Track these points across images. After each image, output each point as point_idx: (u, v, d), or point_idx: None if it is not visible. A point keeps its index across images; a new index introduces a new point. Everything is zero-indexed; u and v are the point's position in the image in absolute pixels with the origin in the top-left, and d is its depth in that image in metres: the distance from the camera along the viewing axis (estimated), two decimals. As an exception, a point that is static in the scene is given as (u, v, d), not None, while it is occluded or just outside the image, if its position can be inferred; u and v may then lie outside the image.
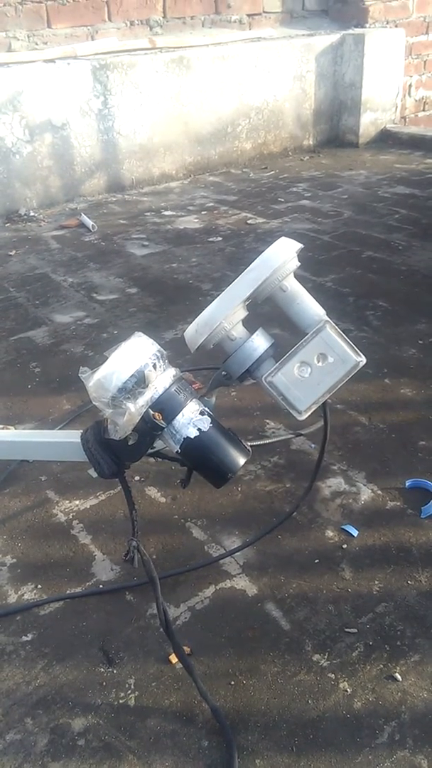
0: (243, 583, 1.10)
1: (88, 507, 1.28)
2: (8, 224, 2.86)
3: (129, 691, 0.94)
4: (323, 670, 0.96)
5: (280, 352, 0.82)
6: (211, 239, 2.63)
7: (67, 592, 1.10)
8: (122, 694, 0.94)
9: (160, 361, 0.77)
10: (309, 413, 0.79)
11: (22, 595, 1.10)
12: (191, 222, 2.84)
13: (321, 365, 0.78)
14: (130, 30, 3.26)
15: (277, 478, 1.34)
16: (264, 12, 3.74)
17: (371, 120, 3.97)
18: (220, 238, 2.63)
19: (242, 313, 0.80)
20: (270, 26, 3.76)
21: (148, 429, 0.76)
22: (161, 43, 3.25)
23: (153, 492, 1.31)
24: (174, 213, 2.96)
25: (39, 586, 1.11)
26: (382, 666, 0.96)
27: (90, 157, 3.08)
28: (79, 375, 0.77)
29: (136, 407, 0.74)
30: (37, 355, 1.82)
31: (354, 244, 2.51)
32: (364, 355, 0.80)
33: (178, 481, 0.84)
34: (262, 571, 1.13)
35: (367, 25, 3.89)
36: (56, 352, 1.84)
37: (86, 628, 1.04)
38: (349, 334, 1.85)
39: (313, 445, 1.42)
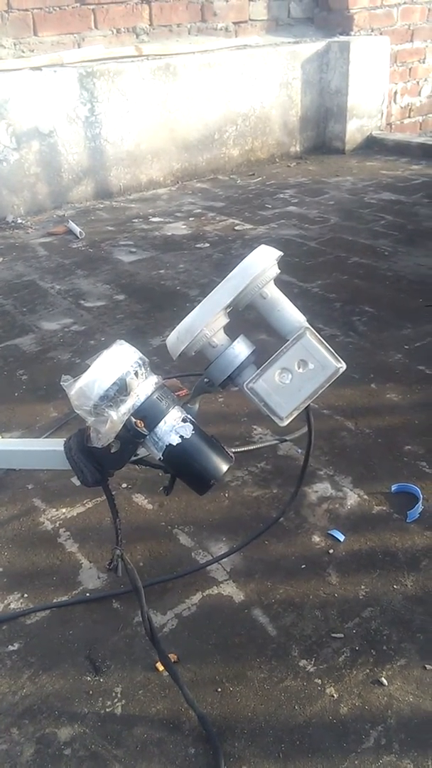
0: (230, 590, 1.11)
1: (75, 515, 1.28)
2: (-5, 232, 2.86)
3: (116, 700, 0.94)
4: (310, 675, 0.96)
5: (264, 357, 0.82)
6: (198, 245, 2.64)
7: (54, 600, 1.09)
8: (109, 703, 0.93)
9: (142, 368, 0.77)
10: (291, 419, 0.80)
11: (8, 604, 1.09)
12: (179, 228, 2.85)
13: (301, 371, 0.78)
14: (116, 38, 3.28)
15: (264, 484, 1.34)
16: (250, 20, 3.77)
17: (357, 127, 4.00)
18: (207, 245, 2.64)
19: (223, 321, 0.81)
20: (256, 34, 3.79)
21: (131, 437, 0.77)
22: (148, 51, 3.26)
23: (140, 499, 1.31)
24: (161, 219, 2.97)
25: (25, 595, 1.11)
26: (368, 671, 0.96)
27: (77, 164, 3.09)
28: (61, 383, 0.77)
29: (118, 415, 0.74)
30: (24, 363, 1.82)
31: (340, 249, 2.53)
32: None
33: (161, 488, 0.85)
34: (249, 577, 1.13)
35: (353, 33, 3.93)
36: (43, 359, 1.84)
37: (73, 636, 1.03)
38: (336, 340, 1.86)
39: (300, 451, 1.43)
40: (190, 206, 3.14)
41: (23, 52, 3.02)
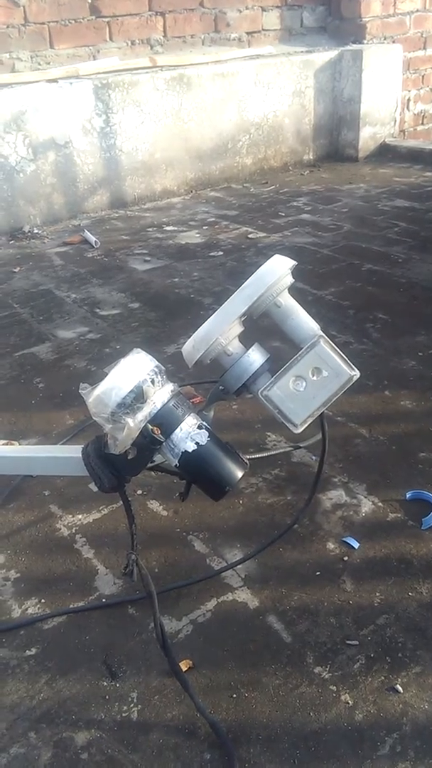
0: (244, 596, 1.11)
1: (91, 521, 1.29)
2: (12, 241, 2.90)
3: (132, 705, 0.95)
4: (325, 682, 0.96)
5: (279, 365, 0.83)
6: (212, 254, 2.66)
7: (70, 606, 1.11)
8: (125, 708, 0.94)
9: (159, 376, 0.78)
10: (305, 426, 0.80)
11: (26, 609, 1.10)
12: (193, 237, 2.87)
13: (315, 379, 0.79)
14: (131, 49, 3.32)
15: (279, 491, 1.35)
16: (263, 30, 3.80)
17: (370, 134, 4.01)
18: (221, 253, 2.66)
19: (238, 329, 0.82)
20: (269, 43, 3.82)
21: (147, 443, 0.78)
22: (162, 62, 3.30)
23: (155, 505, 1.32)
24: (175, 228, 2.99)
25: (42, 601, 1.12)
26: (383, 678, 0.96)
27: (93, 174, 3.12)
28: (80, 391, 0.78)
29: (135, 422, 0.76)
30: (41, 371, 1.84)
31: (354, 257, 2.53)
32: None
33: (177, 494, 0.85)
34: (263, 584, 1.13)
35: (365, 41, 3.95)
36: (60, 367, 1.86)
37: (89, 641, 1.04)
38: (349, 347, 1.87)
39: (314, 458, 1.43)
40: (203, 215, 3.16)
41: (40, 64, 3.07)
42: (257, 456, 1.42)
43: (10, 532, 1.27)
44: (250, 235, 2.84)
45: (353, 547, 1.20)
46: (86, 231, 2.91)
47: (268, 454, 1.44)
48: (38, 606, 1.11)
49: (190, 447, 0.79)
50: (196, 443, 0.79)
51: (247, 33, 3.73)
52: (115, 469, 0.81)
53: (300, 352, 0.79)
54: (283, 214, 3.10)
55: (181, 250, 2.72)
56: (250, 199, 3.37)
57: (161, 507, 1.32)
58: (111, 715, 0.93)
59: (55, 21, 3.05)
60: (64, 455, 0.86)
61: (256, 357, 0.81)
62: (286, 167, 3.89)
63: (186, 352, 0.81)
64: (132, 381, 0.76)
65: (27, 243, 2.88)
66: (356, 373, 0.80)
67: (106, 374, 0.78)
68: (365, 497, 1.32)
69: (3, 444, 1.49)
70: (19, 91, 2.82)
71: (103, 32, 3.21)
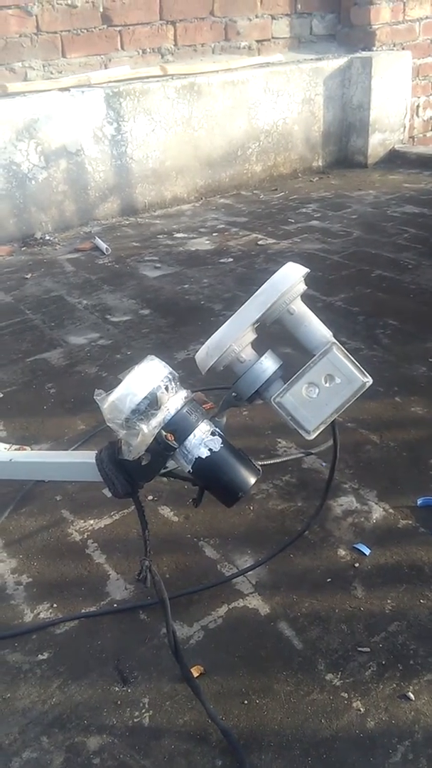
0: (255, 602, 1.11)
1: (102, 527, 1.30)
2: (24, 248, 2.92)
3: (143, 710, 0.95)
4: (336, 689, 0.96)
5: (290, 371, 0.84)
6: (222, 260, 2.67)
7: (82, 611, 1.11)
8: (136, 713, 0.95)
9: (172, 383, 0.79)
10: (317, 433, 0.81)
11: (38, 614, 1.11)
12: (203, 244, 2.88)
13: (328, 386, 0.79)
14: (142, 58, 3.35)
15: (289, 497, 1.35)
16: (273, 38, 3.82)
17: (380, 141, 4.01)
18: (231, 259, 2.67)
19: (251, 336, 0.82)
20: (279, 51, 3.84)
21: (161, 449, 0.78)
22: (172, 70, 3.33)
23: (166, 511, 1.33)
24: (186, 235, 3.01)
25: (54, 605, 1.13)
26: (395, 685, 0.96)
27: (104, 181, 3.15)
28: (94, 397, 0.79)
29: (149, 428, 0.76)
30: (53, 376, 1.86)
31: (364, 263, 2.54)
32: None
33: (190, 500, 0.86)
34: (274, 590, 1.13)
35: (375, 48, 3.96)
36: (71, 373, 1.87)
37: (101, 647, 1.05)
38: (360, 353, 1.87)
39: (324, 464, 1.43)
40: (213, 221, 3.18)
41: (52, 73, 3.11)
42: (269, 462, 1.42)
43: (23, 536, 1.28)
44: (259, 242, 2.85)
45: (364, 554, 1.20)
46: (97, 238, 2.93)
47: (280, 460, 1.44)
48: (50, 610, 1.12)
49: (204, 453, 0.79)
50: (210, 449, 0.79)
51: (257, 41, 3.75)
52: (128, 474, 0.82)
53: (313, 359, 0.80)
54: (293, 221, 3.11)
55: (191, 257, 2.73)
56: (260, 206, 3.38)
57: (172, 512, 1.32)
58: (123, 721, 0.94)
59: (67, 30, 3.08)
60: (78, 461, 0.87)
61: (269, 364, 0.81)
62: (296, 174, 3.90)
63: (199, 359, 0.82)
64: (146, 387, 0.77)
65: (39, 249, 2.91)
66: (369, 380, 0.80)
67: (120, 380, 0.79)
68: (376, 504, 1.32)
69: (15, 449, 1.50)
70: (32, 99, 2.85)
71: (115, 41, 3.24)
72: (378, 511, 1.30)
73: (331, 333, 0.83)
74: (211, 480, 0.81)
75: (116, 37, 3.24)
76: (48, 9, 3.00)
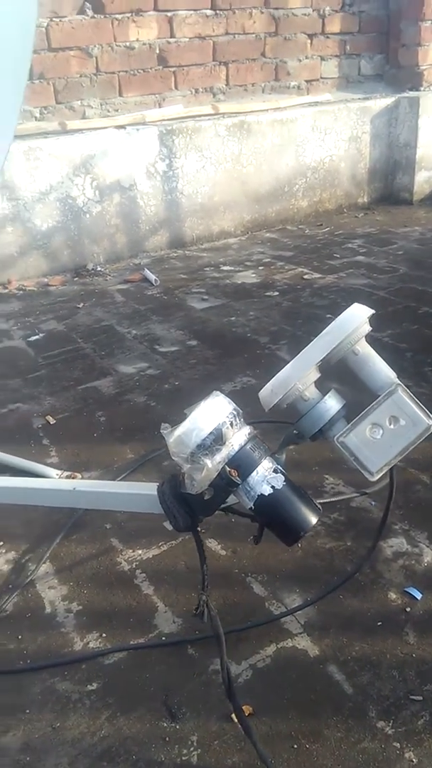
0: (304, 643, 1.10)
1: (151, 557, 1.30)
2: (77, 278, 3.01)
3: (192, 749, 0.94)
4: (388, 738, 0.94)
5: (352, 411, 0.84)
6: (268, 293, 2.70)
7: (131, 642, 1.11)
8: (185, 751, 0.94)
9: (237, 419, 0.80)
10: (381, 474, 0.81)
11: (88, 642, 1.12)
12: (249, 277, 2.92)
13: (392, 428, 0.79)
14: (194, 97, 3.46)
15: (338, 536, 1.33)
16: (321, 78, 3.90)
17: (425, 178, 4.03)
18: (276, 293, 2.70)
19: (315, 375, 0.83)
20: (327, 91, 3.91)
21: (224, 485, 0.79)
22: (223, 109, 3.42)
23: (213, 544, 1.33)
24: (232, 268, 3.05)
25: (103, 635, 1.13)
26: (450, 738, 0.93)
27: (154, 215, 3.23)
28: (161, 431, 0.81)
29: (213, 463, 0.77)
30: (103, 405, 1.89)
31: (410, 299, 2.53)
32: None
33: (251, 537, 0.86)
34: (323, 632, 1.12)
35: (422, 89, 4.00)
36: (120, 401, 1.91)
37: (149, 680, 1.05)
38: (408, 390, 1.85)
39: (373, 503, 1.42)
40: (259, 255, 3.22)
41: (108, 111, 3.23)
42: (328, 500, 1.41)
43: (73, 563, 1.30)
44: (305, 276, 2.87)
45: (416, 598, 1.17)
46: (146, 269, 3.00)
47: (338, 499, 1.42)
48: (99, 640, 1.12)
49: (266, 490, 0.80)
50: (272, 487, 0.80)
51: (306, 81, 3.84)
52: (189, 508, 0.83)
53: (377, 400, 0.80)
54: (338, 256, 3.13)
55: (237, 290, 2.77)
56: (305, 241, 3.42)
57: (220, 546, 1.32)
58: (171, 758, 0.93)
59: (124, 71, 3.21)
60: (140, 492, 0.88)
61: (332, 403, 0.82)
62: (341, 210, 3.94)
63: (263, 397, 0.83)
64: (212, 423, 0.78)
65: (90, 280, 2.99)
66: (434, 423, 0.80)
67: (186, 415, 0.80)
68: (427, 546, 1.29)
69: (67, 476, 1.53)
70: (89, 136, 2.96)
71: (169, 81, 3.36)
72: (429, 555, 1.27)
73: (395, 374, 0.83)
74: (272, 517, 0.82)
75: (171, 78, 3.36)
76: (107, 50, 3.13)
